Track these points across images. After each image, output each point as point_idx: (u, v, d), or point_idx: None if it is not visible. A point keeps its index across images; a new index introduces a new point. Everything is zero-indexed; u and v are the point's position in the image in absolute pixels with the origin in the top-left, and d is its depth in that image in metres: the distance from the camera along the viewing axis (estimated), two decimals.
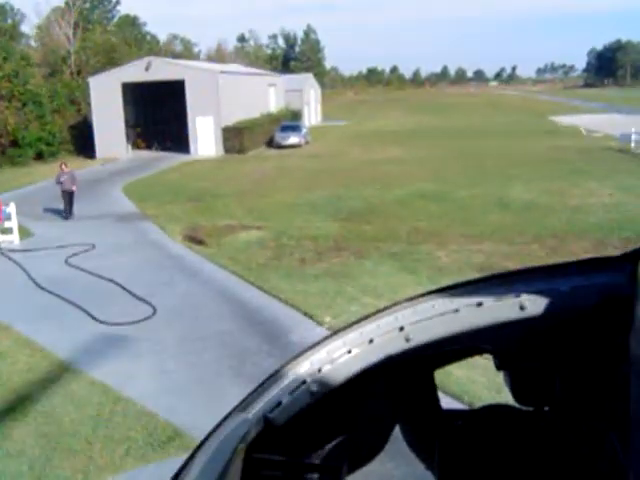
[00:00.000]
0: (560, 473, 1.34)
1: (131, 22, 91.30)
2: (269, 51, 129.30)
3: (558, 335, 1.17)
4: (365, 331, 1.25)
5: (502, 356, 1.27)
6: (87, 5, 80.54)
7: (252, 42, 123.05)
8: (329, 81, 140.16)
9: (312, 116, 70.43)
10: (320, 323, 12.36)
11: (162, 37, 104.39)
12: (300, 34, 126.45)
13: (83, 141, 46.95)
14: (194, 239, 20.08)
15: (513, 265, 15.18)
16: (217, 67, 49.70)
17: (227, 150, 43.84)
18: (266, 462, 1.32)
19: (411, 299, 1.25)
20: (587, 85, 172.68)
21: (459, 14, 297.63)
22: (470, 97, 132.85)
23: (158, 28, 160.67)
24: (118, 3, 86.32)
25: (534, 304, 1.15)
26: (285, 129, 48.13)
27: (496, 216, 20.80)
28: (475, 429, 1.53)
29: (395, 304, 1.24)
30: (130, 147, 48.35)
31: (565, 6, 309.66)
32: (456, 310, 1.18)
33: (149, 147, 49.72)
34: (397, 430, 1.52)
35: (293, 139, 46.93)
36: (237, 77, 49.79)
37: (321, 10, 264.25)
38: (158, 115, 53.49)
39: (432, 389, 1.49)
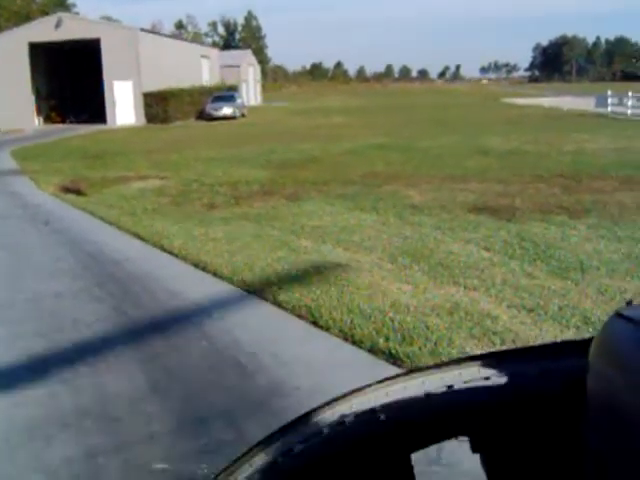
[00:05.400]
0: None
1: (59, 2, 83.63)
2: (208, 39, 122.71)
3: (530, 419, 1.12)
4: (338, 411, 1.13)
5: (475, 439, 1.17)
6: None
7: (190, 28, 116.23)
8: (271, 73, 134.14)
9: (251, 95, 64.51)
10: (220, 276, 7.12)
11: (94, 19, 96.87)
12: (240, 20, 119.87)
13: None
14: (70, 189, 14.59)
15: (520, 204, 10.23)
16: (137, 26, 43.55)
17: (149, 119, 37.94)
18: None
19: (382, 380, 1.16)
20: (533, 81, 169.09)
21: (394, 14, 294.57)
22: (416, 88, 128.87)
23: (89, 10, 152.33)
24: None
25: (503, 387, 1.12)
26: (217, 99, 42.26)
27: (476, 161, 15.76)
28: None
29: (369, 385, 1.14)
30: (42, 120, 42.08)
31: (504, 7, 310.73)
32: (427, 394, 1.14)
33: (64, 121, 43.54)
34: None
35: (226, 110, 41.09)
36: (162, 39, 43.81)
37: (265, 9, 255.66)
38: (77, 87, 47.20)
39: (409, 472, 1.25)
